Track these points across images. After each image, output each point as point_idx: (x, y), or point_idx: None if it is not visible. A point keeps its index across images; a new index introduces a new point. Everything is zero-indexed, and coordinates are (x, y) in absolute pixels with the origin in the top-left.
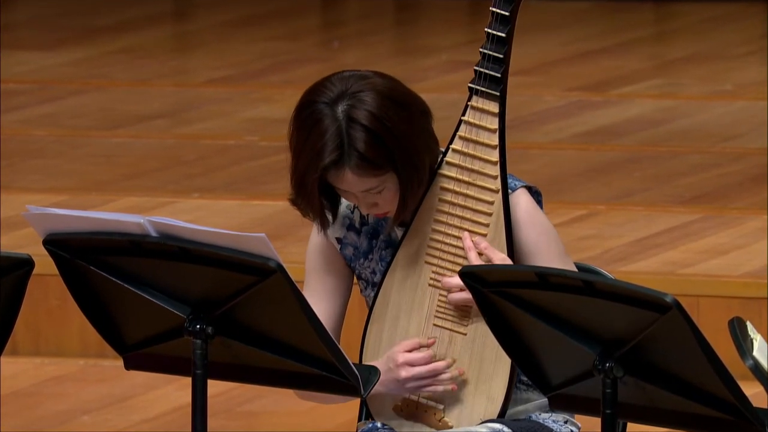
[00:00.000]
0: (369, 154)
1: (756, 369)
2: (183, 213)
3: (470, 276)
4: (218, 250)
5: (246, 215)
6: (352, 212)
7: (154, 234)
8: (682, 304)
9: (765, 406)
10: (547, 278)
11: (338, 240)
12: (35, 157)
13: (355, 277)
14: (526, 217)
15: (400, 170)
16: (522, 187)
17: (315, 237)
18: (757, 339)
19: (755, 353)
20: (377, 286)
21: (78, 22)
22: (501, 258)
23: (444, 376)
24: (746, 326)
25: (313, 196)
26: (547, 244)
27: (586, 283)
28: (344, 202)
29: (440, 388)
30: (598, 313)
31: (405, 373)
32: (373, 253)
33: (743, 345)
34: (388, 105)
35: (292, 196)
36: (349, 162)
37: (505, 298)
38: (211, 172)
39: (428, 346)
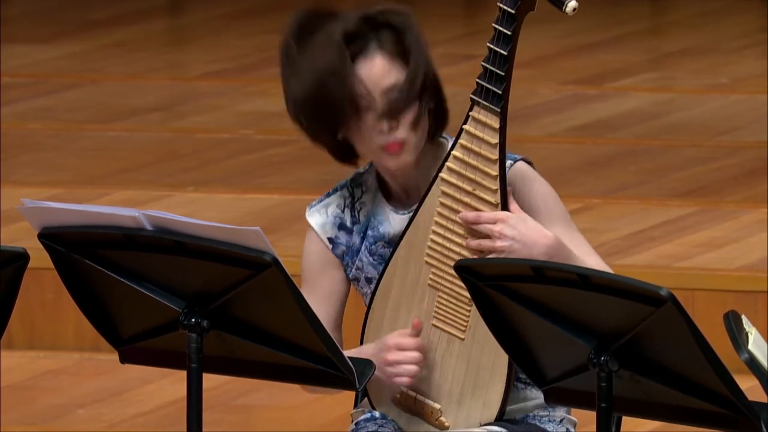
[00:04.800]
0: (400, 40)
1: (751, 362)
2: (178, 206)
3: (465, 270)
4: (213, 244)
5: (241, 209)
6: (343, 212)
7: (149, 227)
8: (677, 298)
9: (760, 400)
10: (542, 272)
11: (330, 240)
12: (30, 150)
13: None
14: (530, 182)
15: (424, 82)
16: (521, 159)
17: (309, 242)
18: (753, 332)
19: (750, 347)
20: (378, 277)
21: (73, 15)
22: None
23: (411, 367)
24: (741, 320)
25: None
26: (553, 205)
27: (581, 277)
28: (334, 202)
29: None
30: (593, 307)
31: (392, 356)
32: (362, 250)
33: (738, 338)
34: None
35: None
36: (380, 44)
37: (500, 291)
38: (206, 166)
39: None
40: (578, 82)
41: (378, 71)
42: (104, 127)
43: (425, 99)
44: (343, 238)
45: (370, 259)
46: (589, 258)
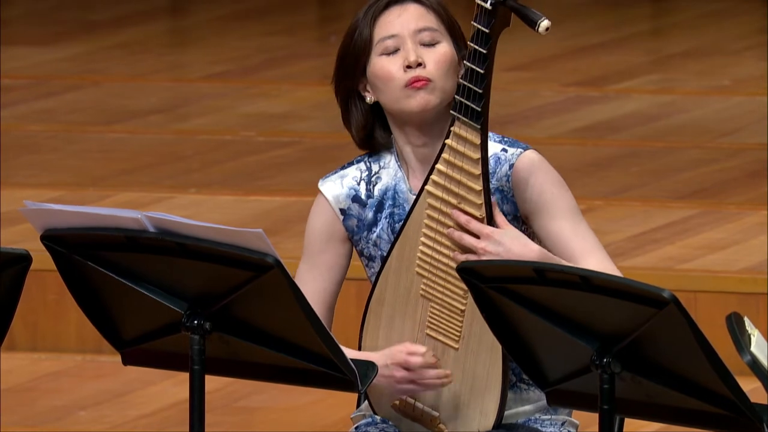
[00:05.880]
0: (440, 4)
1: (753, 364)
2: (180, 208)
3: (467, 272)
4: (215, 246)
5: (243, 210)
6: (358, 184)
7: (151, 229)
8: (679, 300)
9: (763, 402)
10: (544, 274)
11: (342, 211)
12: (32, 152)
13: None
14: (536, 171)
15: (455, 39)
16: (530, 149)
17: (318, 213)
18: (755, 334)
19: (753, 349)
20: (373, 284)
21: (74, 17)
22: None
23: (431, 381)
24: (744, 322)
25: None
26: (560, 196)
27: (583, 279)
28: (350, 174)
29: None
30: (595, 309)
31: (400, 374)
32: (376, 226)
33: (741, 340)
34: None
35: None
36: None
37: (502, 293)
38: (208, 168)
39: (433, 364)
40: (580, 84)
41: (411, 14)
42: (106, 129)
43: (457, 47)
44: (355, 210)
45: (392, 237)
46: (589, 256)
